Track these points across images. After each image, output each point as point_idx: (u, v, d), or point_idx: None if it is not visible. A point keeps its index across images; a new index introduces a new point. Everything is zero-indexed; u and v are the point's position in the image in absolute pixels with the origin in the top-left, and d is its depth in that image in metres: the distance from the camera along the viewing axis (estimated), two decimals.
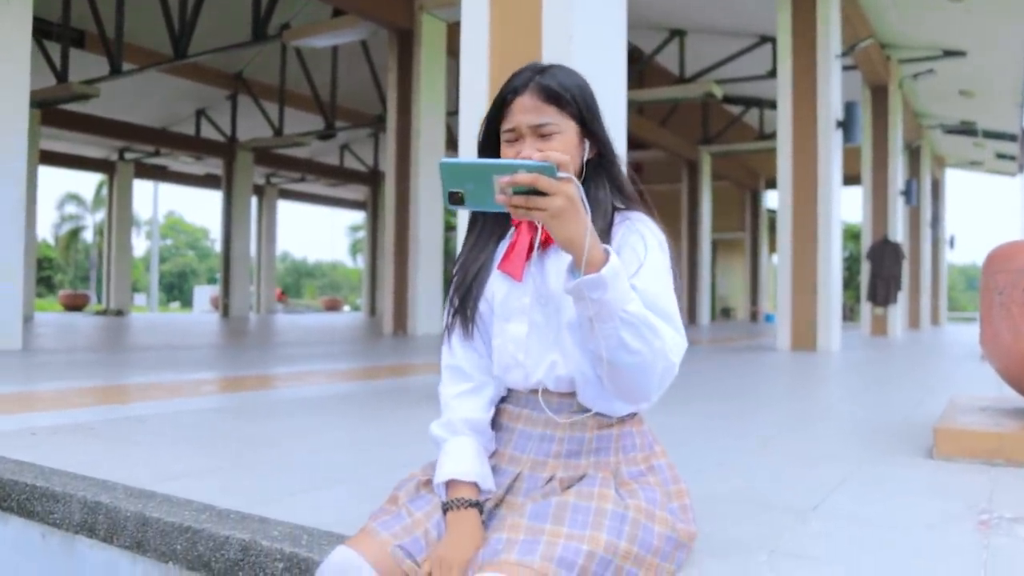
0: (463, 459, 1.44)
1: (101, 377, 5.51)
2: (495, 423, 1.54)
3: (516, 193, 1.14)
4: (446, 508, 1.40)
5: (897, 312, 14.26)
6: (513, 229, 1.53)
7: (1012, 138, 18.70)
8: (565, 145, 1.41)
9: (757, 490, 2.30)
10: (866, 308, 14.52)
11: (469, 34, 4.14)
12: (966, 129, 18.40)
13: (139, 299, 43.18)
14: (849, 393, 5.22)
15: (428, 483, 1.49)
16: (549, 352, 1.44)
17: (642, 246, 1.40)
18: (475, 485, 1.42)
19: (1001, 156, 21.29)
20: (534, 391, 1.46)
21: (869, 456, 2.87)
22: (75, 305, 29.56)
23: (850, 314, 23.79)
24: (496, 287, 1.50)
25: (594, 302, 1.22)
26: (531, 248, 1.45)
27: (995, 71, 14.03)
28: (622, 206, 1.51)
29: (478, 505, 1.40)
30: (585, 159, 1.47)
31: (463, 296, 1.53)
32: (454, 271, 1.57)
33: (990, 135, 18.78)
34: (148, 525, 1.87)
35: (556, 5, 3.80)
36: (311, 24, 13.56)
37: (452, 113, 16.10)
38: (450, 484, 1.43)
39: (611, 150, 1.50)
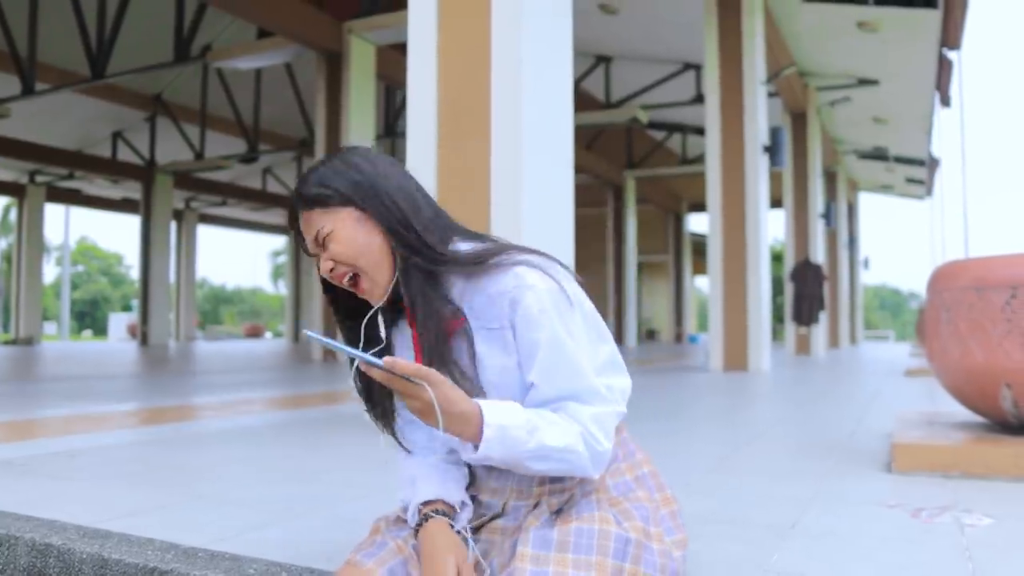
0: (426, 479, 1.38)
1: (19, 410, 5.21)
2: None
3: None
4: (417, 528, 1.34)
5: (819, 331, 14.66)
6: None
7: (921, 163, 19.55)
8: (346, 241, 1.31)
9: (730, 509, 2.29)
10: (790, 328, 14.89)
11: (416, 59, 4.06)
12: (878, 154, 19.16)
13: (49, 327, 41.43)
14: (791, 410, 5.30)
15: (395, 520, 1.44)
16: None
17: (533, 326, 1.27)
18: (442, 500, 1.36)
19: (911, 180, 22.24)
20: None
21: (829, 471, 2.89)
22: None
23: (773, 334, 24.42)
24: None
25: (494, 461, 1.23)
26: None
27: (906, 99, 14.66)
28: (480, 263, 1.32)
29: (449, 516, 1.34)
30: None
31: (378, 409, 1.44)
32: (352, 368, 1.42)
33: (901, 160, 19.60)
34: (107, 567, 1.73)
35: (505, 29, 3.77)
36: (235, 45, 13.32)
37: (381, 136, 16.03)
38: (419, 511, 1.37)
39: (417, 238, 1.32)
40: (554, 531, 1.27)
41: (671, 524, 1.42)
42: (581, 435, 1.25)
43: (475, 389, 1.29)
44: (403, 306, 1.39)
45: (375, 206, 1.32)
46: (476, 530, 1.38)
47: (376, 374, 1.14)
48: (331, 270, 1.34)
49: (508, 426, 1.20)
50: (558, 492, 1.38)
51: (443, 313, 1.30)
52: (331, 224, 1.32)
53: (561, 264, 1.37)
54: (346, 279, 1.34)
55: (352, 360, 1.32)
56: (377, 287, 1.34)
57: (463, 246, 1.36)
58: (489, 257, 1.31)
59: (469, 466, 1.45)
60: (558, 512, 1.35)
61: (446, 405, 1.16)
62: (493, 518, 1.39)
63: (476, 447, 1.20)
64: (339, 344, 1.18)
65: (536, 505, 1.37)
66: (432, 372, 1.15)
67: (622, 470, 1.43)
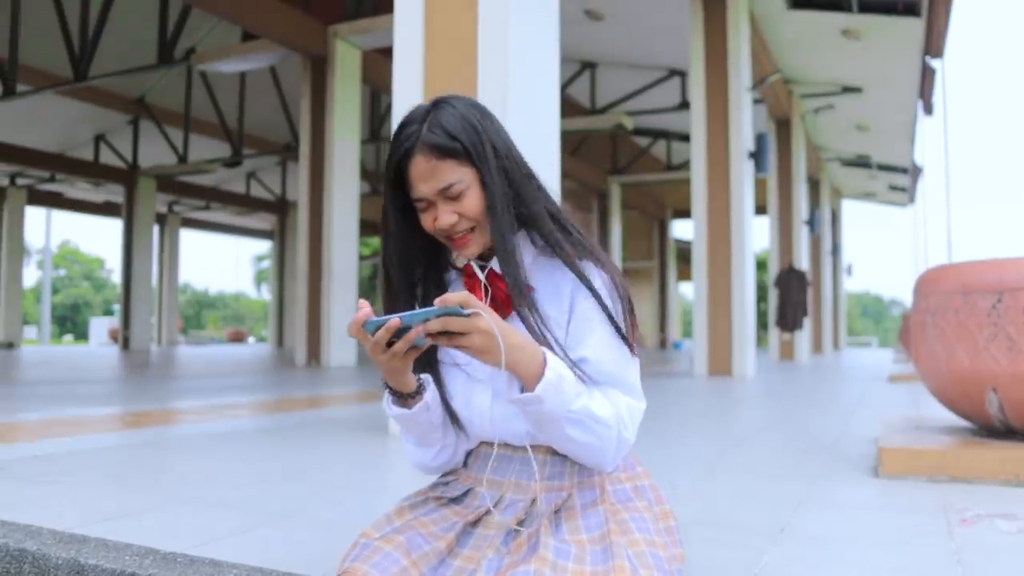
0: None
1: (1, 413, 5.14)
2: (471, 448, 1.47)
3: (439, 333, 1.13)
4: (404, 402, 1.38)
5: (803, 337, 14.72)
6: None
7: (903, 171, 19.69)
8: (477, 198, 1.33)
9: (721, 513, 2.27)
10: (773, 334, 14.94)
11: (402, 64, 4.01)
12: (861, 162, 19.28)
13: (29, 332, 41.05)
14: (777, 414, 5.30)
15: (398, 512, 1.40)
16: (518, 422, 1.37)
17: (594, 310, 1.33)
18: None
19: (893, 188, 22.41)
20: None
21: (817, 475, 2.89)
22: None
23: (757, 340, 24.53)
24: None
25: (534, 412, 1.22)
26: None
27: (889, 107, 14.77)
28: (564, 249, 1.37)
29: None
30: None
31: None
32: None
33: (883, 168, 19.73)
34: (84, 573, 1.69)
35: (492, 24, 3.74)
36: (220, 48, 13.25)
37: (366, 141, 15.99)
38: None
39: (527, 189, 1.37)
40: (572, 547, 1.27)
41: (667, 539, 1.41)
42: (617, 415, 1.29)
43: (545, 344, 1.30)
44: (457, 268, 1.45)
45: (492, 175, 1.33)
46: (471, 524, 1.36)
47: (432, 324, 1.12)
48: (454, 224, 1.34)
49: (565, 378, 1.21)
50: (556, 490, 1.37)
51: (523, 277, 1.32)
52: (466, 180, 1.32)
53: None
54: (459, 232, 1.35)
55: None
56: (479, 245, 1.37)
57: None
58: (585, 254, 1.35)
59: (466, 459, 1.45)
60: (557, 512, 1.34)
61: (507, 335, 1.16)
62: (488, 512, 1.38)
63: (522, 389, 1.21)
64: (390, 317, 1.14)
65: (533, 502, 1.35)
66: (481, 304, 1.14)
67: (621, 479, 1.43)
